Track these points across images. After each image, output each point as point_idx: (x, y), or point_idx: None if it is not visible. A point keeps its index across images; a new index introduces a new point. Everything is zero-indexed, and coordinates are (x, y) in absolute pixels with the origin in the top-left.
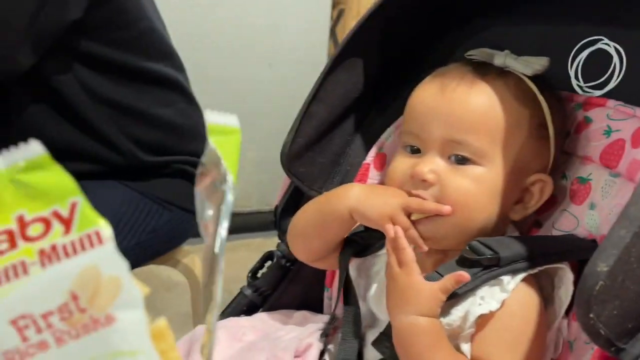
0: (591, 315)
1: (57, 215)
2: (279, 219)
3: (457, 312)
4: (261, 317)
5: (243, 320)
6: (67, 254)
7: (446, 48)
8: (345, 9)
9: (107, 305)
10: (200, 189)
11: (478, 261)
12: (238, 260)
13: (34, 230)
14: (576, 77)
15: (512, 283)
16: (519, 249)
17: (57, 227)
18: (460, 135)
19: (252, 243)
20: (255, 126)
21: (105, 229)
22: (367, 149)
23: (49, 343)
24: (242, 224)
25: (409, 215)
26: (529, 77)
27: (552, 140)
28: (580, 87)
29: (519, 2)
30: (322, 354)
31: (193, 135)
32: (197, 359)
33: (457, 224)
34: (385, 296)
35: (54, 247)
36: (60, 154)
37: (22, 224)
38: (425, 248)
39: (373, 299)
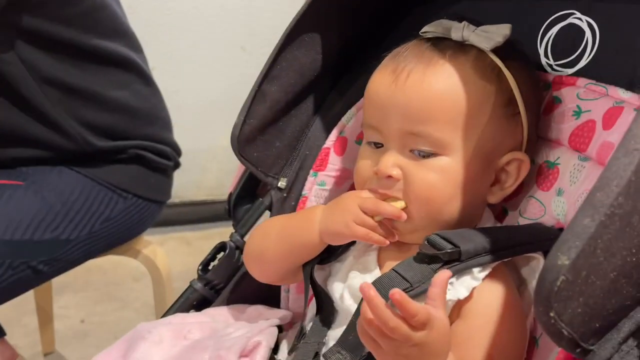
0: (551, 314)
1: None
2: (232, 207)
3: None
4: (211, 312)
5: (190, 316)
6: None
7: (410, 25)
8: None
9: None
10: None
11: (437, 256)
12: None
13: None
14: (546, 55)
15: (482, 273)
16: (481, 242)
17: None
18: (419, 127)
19: (226, 232)
20: (228, 112)
21: None
22: (327, 133)
23: None
24: (216, 213)
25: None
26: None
27: (523, 116)
28: (550, 65)
29: None
30: (275, 351)
31: (150, 119)
32: (134, 358)
33: (427, 217)
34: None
35: None
36: (5, 138)
37: None
38: (387, 243)
39: (336, 294)
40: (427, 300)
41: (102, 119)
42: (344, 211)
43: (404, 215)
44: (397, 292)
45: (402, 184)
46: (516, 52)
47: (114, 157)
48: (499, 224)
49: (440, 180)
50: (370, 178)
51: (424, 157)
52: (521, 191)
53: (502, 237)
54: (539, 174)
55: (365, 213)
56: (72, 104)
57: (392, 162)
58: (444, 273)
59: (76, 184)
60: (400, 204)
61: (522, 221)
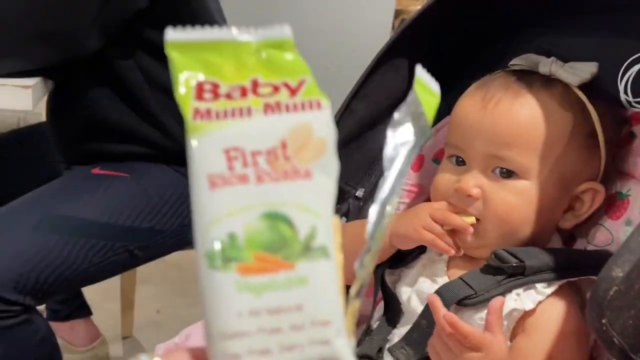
0: (604, 321)
1: (286, 85)
2: None
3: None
4: None
5: None
6: (287, 109)
7: (495, 55)
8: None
9: (309, 160)
10: (392, 129)
11: (502, 268)
12: None
13: (264, 90)
14: (625, 92)
15: (548, 289)
16: (545, 259)
17: (284, 91)
18: (504, 151)
19: None
20: None
21: (325, 100)
22: None
23: (250, 178)
24: None
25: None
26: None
27: (602, 149)
28: (629, 101)
29: (574, 13)
30: None
31: None
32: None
33: (500, 236)
34: None
35: (278, 103)
36: (119, 135)
37: (255, 84)
38: (452, 252)
39: (404, 296)
40: (485, 326)
41: None
42: (415, 217)
43: (471, 229)
44: (448, 315)
45: (480, 203)
46: (600, 89)
47: None
48: None
49: (518, 202)
50: (449, 193)
51: (505, 177)
52: (590, 219)
53: (567, 258)
54: (609, 204)
55: (434, 221)
56: (177, 108)
57: (473, 182)
58: (498, 300)
59: (173, 180)
60: (471, 219)
61: (590, 248)
